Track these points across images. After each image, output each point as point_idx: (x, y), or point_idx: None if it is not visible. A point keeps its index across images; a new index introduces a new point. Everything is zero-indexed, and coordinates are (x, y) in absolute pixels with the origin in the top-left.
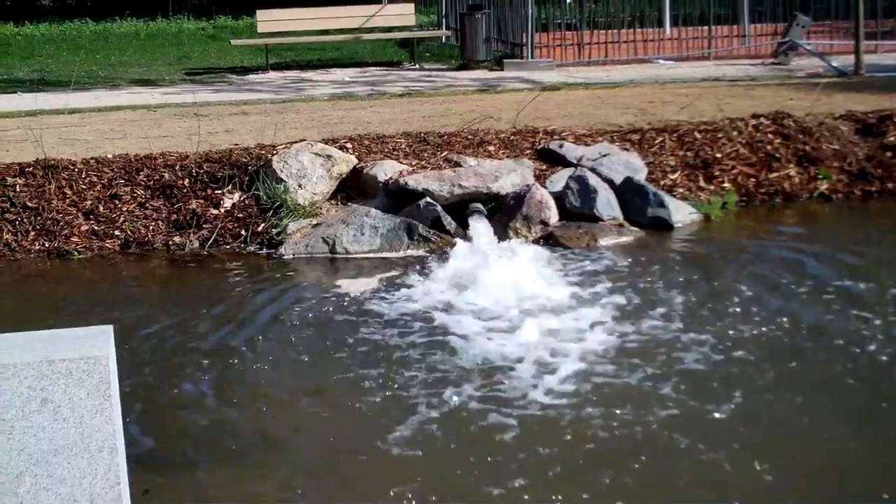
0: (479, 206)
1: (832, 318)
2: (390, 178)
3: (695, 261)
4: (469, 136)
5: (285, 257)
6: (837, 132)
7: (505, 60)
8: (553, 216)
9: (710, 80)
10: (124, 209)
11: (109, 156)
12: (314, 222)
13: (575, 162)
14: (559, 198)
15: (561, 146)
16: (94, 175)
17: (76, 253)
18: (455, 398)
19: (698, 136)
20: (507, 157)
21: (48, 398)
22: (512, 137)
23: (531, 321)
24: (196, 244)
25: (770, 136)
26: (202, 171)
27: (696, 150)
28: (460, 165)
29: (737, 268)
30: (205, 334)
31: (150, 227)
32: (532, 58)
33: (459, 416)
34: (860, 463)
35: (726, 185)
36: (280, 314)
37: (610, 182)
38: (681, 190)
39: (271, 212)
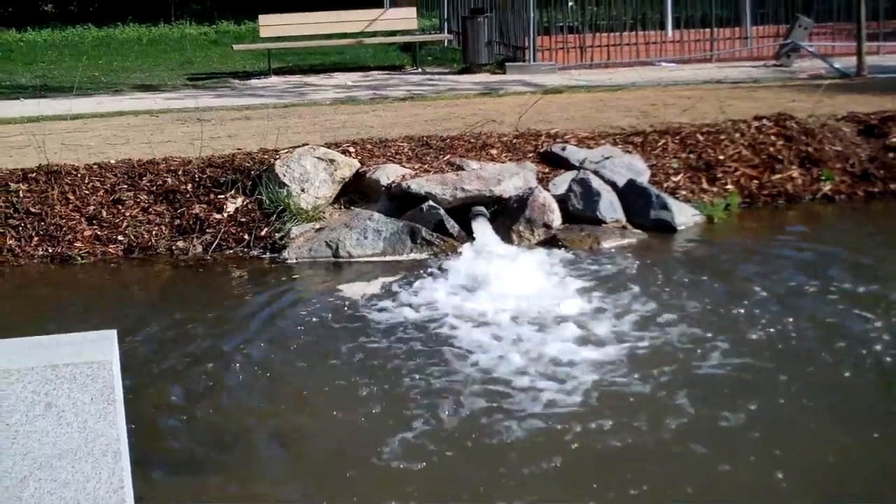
0: (482, 209)
1: (840, 320)
2: (393, 181)
3: (698, 263)
4: (471, 140)
5: (289, 261)
6: (840, 133)
7: (507, 64)
8: (556, 219)
9: (712, 82)
10: (127, 214)
11: (112, 161)
12: (317, 226)
13: (577, 165)
14: (562, 201)
15: (563, 149)
16: (97, 180)
17: (79, 258)
18: (456, 407)
19: (701, 138)
20: (509, 160)
21: (52, 403)
22: (514, 140)
23: (536, 325)
24: (199, 249)
25: (772, 137)
26: (205, 175)
27: (698, 153)
28: (463, 169)
29: (741, 270)
30: (207, 340)
31: (154, 232)
32: (534, 61)
33: (461, 425)
34: (865, 464)
35: (729, 186)
36: (283, 319)
37: (613, 184)
38: (683, 192)
39: (274, 216)
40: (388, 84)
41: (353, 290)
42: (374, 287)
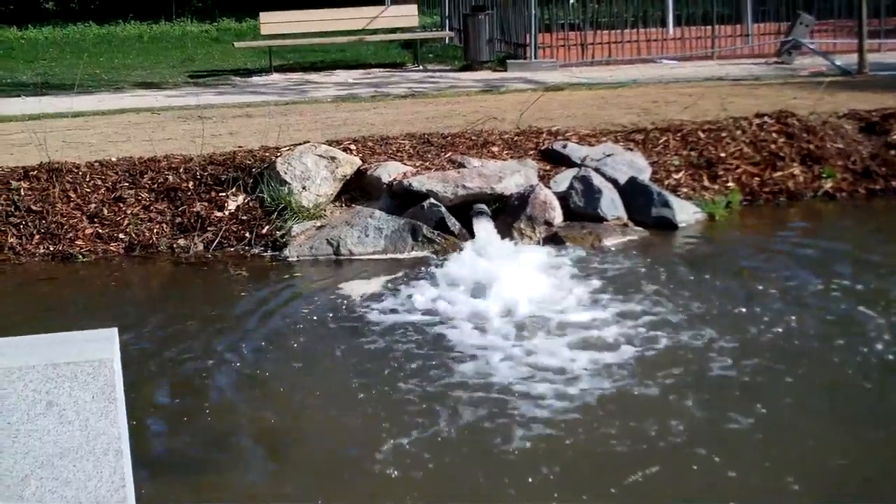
0: (484, 206)
1: (841, 318)
2: (394, 179)
3: (700, 260)
4: (473, 137)
5: (290, 259)
6: (841, 131)
7: (508, 61)
8: (557, 216)
9: (713, 79)
10: (128, 212)
11: (113, 159)
12: (318, 224)
13: (579, 162)
14: (563, 198)
15: (565, 146)
16: (98, 178)
17: (80, 256)
18: (455, 410)
19: (702, 135)
20: (510, 157)
21: (53, 401)
22: (516, 138)
23: (537, 324)
24: (200, 247)
25: (774, 135)
26: (206, 173)
27: (699, 150)
28: (464, 166)
29: (742, 268)
30: (207, 338)
31: (155, 230)
32: (535, 58)
33: (460, 428)
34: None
35: (730, 184)
36: (283, 317)
37: (614, 182)
38: (685, 189)
39: (275, 214)
40: (389, 81)
41: (354, 288)
42: (375, 285)
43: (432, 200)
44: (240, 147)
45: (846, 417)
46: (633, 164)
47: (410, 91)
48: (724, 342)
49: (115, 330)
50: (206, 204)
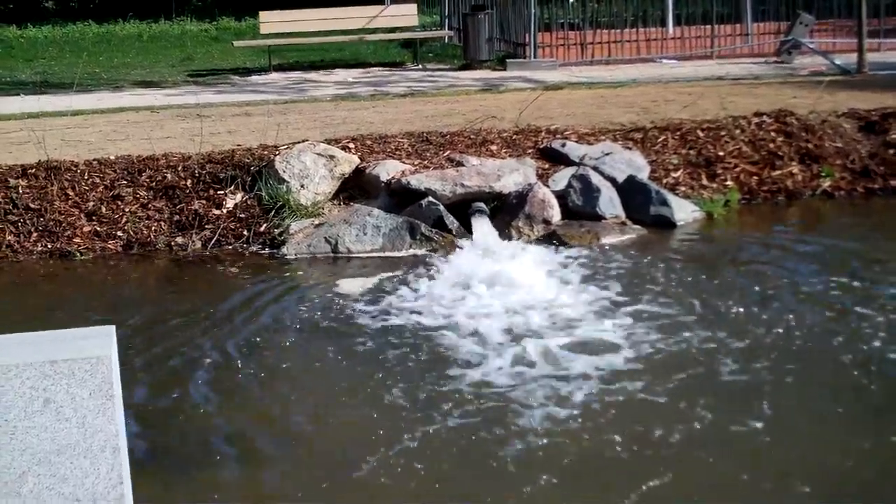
0: (482, 205)
1: (840, 317)
2: (393, 177)
3: (698, 259)
4: (471, 136)
5: (288, 257)
6: (840, 130)
7: (508, 60)
8: (555, 215)
9: (713, 78)
10: (127, 210)
11: (112, 157)
12: (316, 222)
13: (577, 161)
14: (562, 197)
15: (563, 145)
16: (97, 176)
17: (79, 254)
18: (452, 413)
19: (701, 134)
20: (509, 156)
21: (51, 398)
22: (514, 137)
23: (535, 323)
24: (198, 245)
25: (773, 134)
26: (204, 171)
27: (698, 149)
28: (463, 165)
29: (740, 266)
30: (204, 336)
31: (153, 228)
32: (535, 57)
33: (458, 431)
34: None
35: (729, 183)
36: (280, 315)
37: (612, 181)
38: (683, 188)
39: (274, 212)
40: (388, 80)
41: (351, 286)
42: (372, 283)
43: (431, 199)
44: (238, 145)
45: (844, 417)
46: (632, 163)
47: (409, 90)
48: (724, 341)
49: (112, 327)
50: (204, 202)
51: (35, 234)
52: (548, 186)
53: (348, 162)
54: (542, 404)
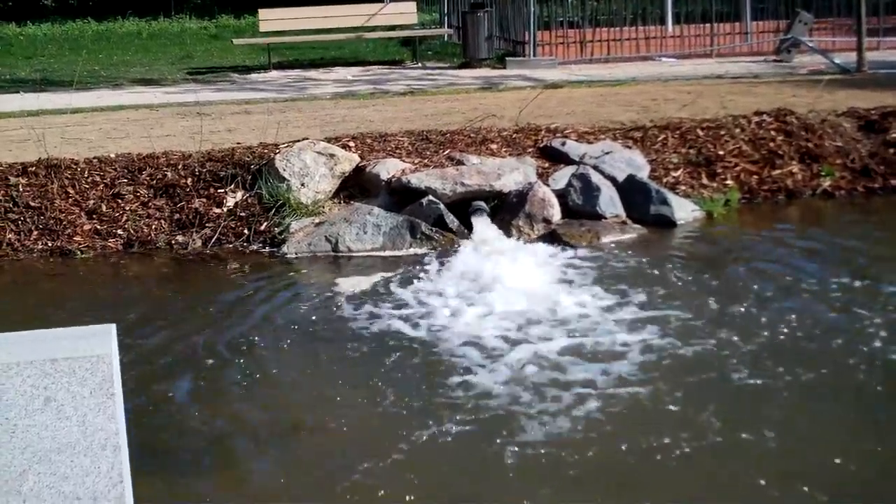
0: (482, 204)
1: (840, 316)
2: (393, 176)
3: (698, 258)
4: (471, 135)
5: (288, 256)
6: (840, 129)
7: (507, 58)
8: (556, 214)
9: (712, 77)
10: (127, 208)
11: (112, 155)
12: (317, 221)
13: (577, 160)
14: (562, 195)
15: (563, 144)
16: (97, 174)
17: (79, 252)
18: (451, 415)
19: (701, 133)
20: (509, 155)
21: (51, 396)
22: (514, 135)
23: (534, 322)
24: (199, 243)
25: (773, 133)
26: (205, 170)
27: (698, 148)
28: (463, 163)
29: (740, 265)
30: (203, 335)
31: (153, 227)
32: (534, 56)
33: (458, 433)
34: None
35: (729, 182)
36: (280, 314)
37: (612, 180)
38: (683, 187)
39: (274, 210)
40: (388, 79)
41: (351, 285)
42: (372, 282)
43: (431, 197)
44: (238, 144)
45: (844, 417)
46: (632, 162)
47: (409, 88)
48: (725, 340)
49: (112, 325)
50: (204, 200)
51: (35, 233)
52: (548, 185)
53: (348, 160)
54: (542, 409)
